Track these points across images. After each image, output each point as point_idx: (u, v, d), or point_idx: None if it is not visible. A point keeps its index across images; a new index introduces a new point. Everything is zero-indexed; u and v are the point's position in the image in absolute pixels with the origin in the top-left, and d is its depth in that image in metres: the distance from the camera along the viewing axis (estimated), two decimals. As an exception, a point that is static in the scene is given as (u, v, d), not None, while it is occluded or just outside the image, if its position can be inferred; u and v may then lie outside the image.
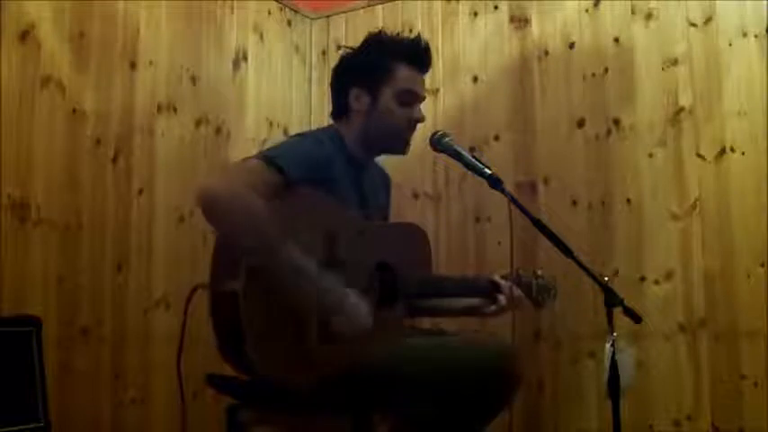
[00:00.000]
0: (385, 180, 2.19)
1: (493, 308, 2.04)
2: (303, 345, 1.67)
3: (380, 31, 2.06)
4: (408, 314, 2.03)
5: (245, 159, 1.80)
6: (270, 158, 1.74)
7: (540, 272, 2.21)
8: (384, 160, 2.14)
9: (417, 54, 1.99)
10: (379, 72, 1.95)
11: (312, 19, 3.68)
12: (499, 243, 3.02)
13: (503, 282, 2.05)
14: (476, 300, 2.09)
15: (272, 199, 1.66)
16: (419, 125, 2.01)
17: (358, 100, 1.96)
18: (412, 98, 1.98)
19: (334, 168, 1.87)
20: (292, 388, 1.67)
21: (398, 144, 2.01)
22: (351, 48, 2.06)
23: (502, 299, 2.02)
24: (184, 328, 1.70)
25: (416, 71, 1.99)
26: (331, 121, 2.07)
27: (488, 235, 3.10)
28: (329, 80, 2.07)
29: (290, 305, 1.63)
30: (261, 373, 1.64)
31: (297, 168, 1.74)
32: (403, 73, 1.96)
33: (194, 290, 1.69)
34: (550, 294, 2.20)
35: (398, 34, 2.07)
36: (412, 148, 2.05)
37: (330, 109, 2.07)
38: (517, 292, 2.05)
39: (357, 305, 1.69)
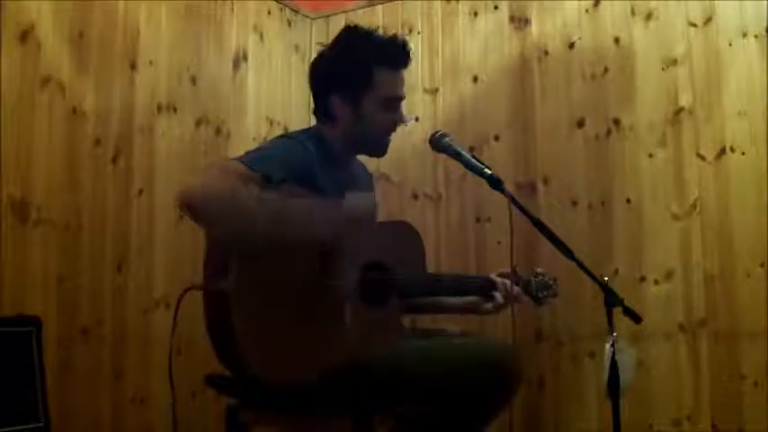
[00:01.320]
0: (368, 178, 2.18)
1: (489, 305, 2.04)
2: (297, 343, 1.67)
3: (356, 30, 1.98)
4: (405, 312, 2.03)
5: (222, 162, 1.79)
6: (249, 161, 1.72)
7: (539, 270, 2.21)
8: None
9: (396, 55, 1.94)
10: (359, 80, 1.90)
11: (312, 19, 3.68)
12: (499, 243, 3.02)
13: (499, 279, 2.05)
14: (473, 297, 2.09)
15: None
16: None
17: (340, 108, 1.92)
18: (394, 102, 1.95)
19: (315, 169, 1.85)
20: (287, 388, 1.67)
21: (379, 147, 2.00)
22: (325, 45, 2.00)
23: (498, 296, 2.02)
24: (174, 329, 1.69)
25: (396, 71, 1.95)
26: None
27: (488, 235, 3.10)
28: (309, 79, 2.01)
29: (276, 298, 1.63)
30: (255, 374, 1.63)
31: (277, 171, 1.72)
32: (383, 78, 1.91)
33: (186, 291, 1.68)
34: (550, 292, 2.20)
35: (374, 33, 1.97)
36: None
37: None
38: (515, 289, 2.05)
39: (355, 202, 1.68)
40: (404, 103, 1.98)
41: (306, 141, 1.91)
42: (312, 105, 2.01)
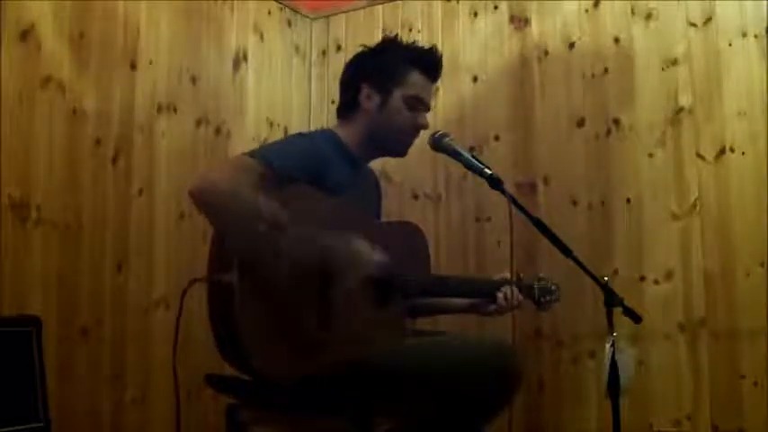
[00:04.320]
0: (376, 186, 2.21)
1: (492, 307, 2.05)
2: (300, 339, 1.67)
3: (396, 37, 2.10)
4: (408, 315, 2.03)
5: (238, 156, 1.82)
6: (263, 155, 1.75)
7: (542, 274, 2.21)
8: (383, 160, 2.15)
9: (431, 63, 2.02)
10: (393, 73, 1.98)
11: (312, 19, 3.68)
12: (499, 243, 3.02)
13: (501, 292, 2.06)
14: (476, 299, 2.10)
15: (265, 194, 1.67)
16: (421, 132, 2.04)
17: (368, 98, 1.99)
18: (420, 104, 2.01)
19: (329, 167, 1.87)
20: (290, 384, 1.67)
21: (400, 147, 2.04)
22: (366, 46, 2.08)
23: (501, 298, 2.03)
24: (179, 321, 1.69)
25: (428, 79, 2.03)
26: (335, 119, 2.07)
27: (488, 235, 3.10)
28: (340, 76, 2.09)
29: (279, 291, 1.63)
30: (257, 369, 1.63)
31: (290, 166, 1.75)
32: (415, 79, 1.99)
33: (191, 283, 1.68)
34: (552, 297, 2.20)
35: (414, 42, 2.09)
36: (412, 147, 2.06)
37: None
38: (516, 294, 2.05)
39: (361, 248, 1.72)
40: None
41: (321, 141, 1.94)
42: (337, 101, 2.07)
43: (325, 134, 2.01)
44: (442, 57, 2.05)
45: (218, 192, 1.64)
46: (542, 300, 2.17)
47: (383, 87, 1.98)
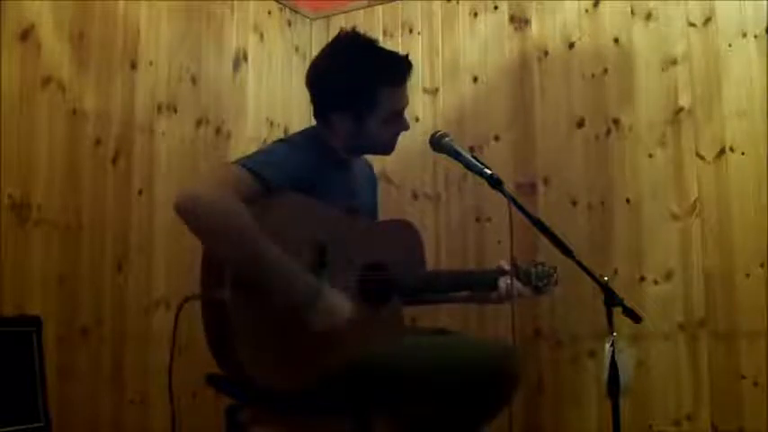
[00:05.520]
0: (371, 178, 2.17)
1: (494, 295, 2.03)
2: (296, 349, 1.67)
3: (357, 43, 1.94)
4: (408, 304, 2.03)
5: (222, 166, 1.79)
6: (249, 166, 1.72)
7: (539, 261, 2.19)
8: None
9: (399, 72, 1.92)
10: (363, 101, 1.88)
11: (312, 19, 3.68)
12: (499, 242, 3.02)
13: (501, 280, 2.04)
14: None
15: (253, 205, 1.65)
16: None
17: (342, 122, 1.91)
18: (397, 116, 1.95)
19: (317, 171, 1.84)
20: (289, 394, 1.67)
21: (384, 150, 2.00)
22: (324, 53, 1.97)
23: (502, 286, 2.00)
24: (175, 338, 1.69)
25: (400, 87, 1.94)
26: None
27: (488, 235, 3.10)
28: (305, 81, 1.97)
29: (272, 305, 1.63)
30: (256, 382, 1.63)
31: (277, 175, 1.73)
32: (387, 96, 1.90)
33: (185, 301, 1.68)
34: (551, 280, 2.18)
35: (376, 47, 1.95)
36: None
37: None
38: (517, 286, 2.04)
39: (332, 302, 1.68)
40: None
41: (305, 144, 1.90)
42: (312, 108, 2.01)
43: (308, 136, 1.96)
44: (409, 59, 1.94)
45: (207, 210, 1.63)
46: (540, 284, 2.14)
47: (355, 115, 1.89)
